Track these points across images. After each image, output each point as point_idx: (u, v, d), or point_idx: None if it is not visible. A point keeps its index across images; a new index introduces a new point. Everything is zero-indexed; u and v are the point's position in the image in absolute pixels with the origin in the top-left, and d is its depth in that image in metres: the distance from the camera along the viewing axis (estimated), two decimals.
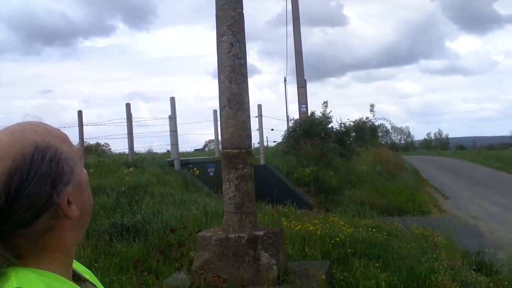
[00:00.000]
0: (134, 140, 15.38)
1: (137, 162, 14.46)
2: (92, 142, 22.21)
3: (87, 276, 1.28)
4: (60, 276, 1.09)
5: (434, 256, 7.64)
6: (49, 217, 1.05)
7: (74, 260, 1.23)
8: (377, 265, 6.92)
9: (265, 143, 21.52)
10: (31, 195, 1.01)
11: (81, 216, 1.12)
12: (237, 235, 5.61)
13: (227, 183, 5.74)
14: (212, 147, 26.79)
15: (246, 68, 5.84)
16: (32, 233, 1.05)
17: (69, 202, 1.07)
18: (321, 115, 19.72)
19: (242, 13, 5.83)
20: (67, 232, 1.11)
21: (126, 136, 15.29)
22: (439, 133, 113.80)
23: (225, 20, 5.73)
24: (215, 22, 5.88)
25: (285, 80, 42.87)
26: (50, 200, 1.03)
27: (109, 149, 21.75)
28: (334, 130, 20.61)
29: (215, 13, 5.86)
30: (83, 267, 1.33)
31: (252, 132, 6.25)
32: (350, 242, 7.84)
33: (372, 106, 37.08)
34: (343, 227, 8.68)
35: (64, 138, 1.14)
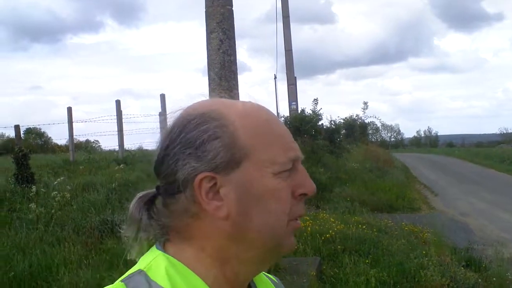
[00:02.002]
0: (124, 137, 15.36)
1: (127, 159, 14.44)
2: (82, 139, 22.16)
3: None
4: (196, 275, 0.96)
5: (424, 252, 7.68)
6: (190, 198, 0.96)
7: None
8: (367, 261, 6.96)
9: None
10: (170, 157, 0.98)
11: (240, 229, 0.96)
12: None
13: None
14: None
15: (236, 65, 5.84)
16: (178, 210, 0.99)
17: (214, 194, 0.95)
18: (311, 112, 19.72)
19: (232, 10, 5.84)
20: (220, 238, 0.97)
21: (116, 133, 15.27)
22: (429, 131, 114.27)
23: (214, 17, 5.73)
24: (204, 19, 5.89)
25: (275, 78, 42.68)
26: (184, 174, 0.96)
27: (99, 146, 21.68)
28: (324, 127, 20.64)
29: (204, 10, 5.86)
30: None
31: None
32: (340, 239, 7.88)
33: (365, 104, 36.97)
34: (334, 224, 8.72)
35: (253, 122, 1.00)
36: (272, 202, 0.96)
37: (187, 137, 0.97)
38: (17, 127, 12.11)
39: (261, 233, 0.96)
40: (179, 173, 0.96)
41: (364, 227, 8.90)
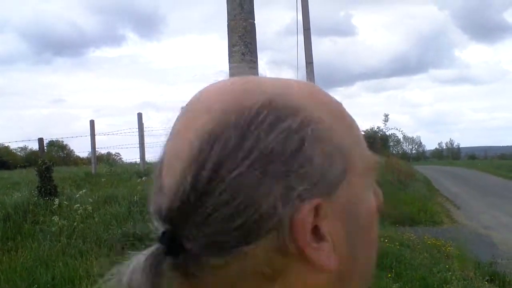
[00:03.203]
0: (146, 149, 15.46)
1: (148, 171, 14.50)
2: (103, 151, 22.34)
3: None
4: None
5: (447, 266, 7.60)
6: (272, 247, 0.56)
7: None
8: (389, 275, 6.90)
9: None
10: (235, 186, 0.55)
11: (344, 277, 0.61)
12: None
13: None
14: None
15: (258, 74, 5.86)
16: (234, 272, 0.57)
17: (315, 233, 0.57)
18: None
19: (254, 24, 5.86)
20: None
21: (138, 146, 15.37)
22: (451, 143, 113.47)
23: (236, 31, 5.76)
24: (226, 32, 5.92)
25: None
26: (272, 210, 0.55)
27: (120, 158, 21.85)
28: None
29: (226, 23, 5.89)
30: None
31: None
32: None
33: (386, 116, 36.91)
34: None
35: (339, 112, 0.65)
36: (374, 226, 0.66)
37: (261, 145, 0.56)
38: (40, 140, 12.23)
39: (363, 274, 0.67)
40: (262, 209, 0.54)
41: (386, 240, 8.83)
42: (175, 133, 0.63)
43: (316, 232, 0.57)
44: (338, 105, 0.66)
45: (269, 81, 0.64)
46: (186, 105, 0.65)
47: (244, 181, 0.55)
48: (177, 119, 0.65)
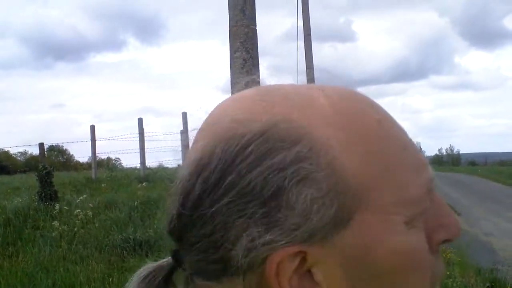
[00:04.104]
0: (146, 155, 15.48)
1: (149, 176, 14.51)
2: (103, 156, 22.35)
3: None
4: None
5: (447, 273, 7.57)
6: (255, 282, 0.54)
7: None
8: None
9: None
10: (210, 218, 0.54)
11: None
12: None
13: None
14: None
15: (259, 84, 5.86)
16: None
17: (301, 278, 0.53)
18: None
19: (256, 30, 5.87)
20: None
21: (138, 151, 15.38)
22: (451, 149, 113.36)
23: (238, 37, 5.76)
24: (226, 38, 5.92)
25: None
26: (246, 252, 0.53)
27: (120, 163, 21.86)
28: None
29: (228, 29, 5.90)
30: None
31: None
32: None
33: None
34: None
35: (367, 136, 0.56)
36: (408, 275, 0.55)
37: (242, 182, 0.53)
38: (41, 145, 12.23)
39: None
40: (234, 250, 0.53)
41: None
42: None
43: (303, 275, 0.53)
44: (364, 118, 0.57)
45: (288, 95, 0.58)
46: (194, 129, 0.63)
47: (221, 218, 0.53)
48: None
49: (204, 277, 0.58)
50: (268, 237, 0.52)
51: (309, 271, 0.53)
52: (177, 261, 0.62)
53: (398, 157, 0.56)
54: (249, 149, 0.53)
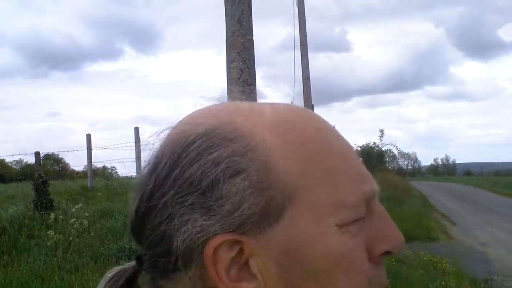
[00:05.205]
0: (142, 164, 15.50)
1: None
2: (99, 165, 22.31)
3: None
4: None
5: (443, 283, 7.59)
6: (198, 279, 0.59)
7: None
8: None
9: None
10: (158, 211, 0.59)
11: None
12: None
13: None
14: None
15: (256, 94, 5.88)
16: None
17: (240, 270, 0.58)
18: None
19: (252, 40, 5.90)
20: None
21: (134, 160, 15.35)
22: (446, 159, 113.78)
23: (235, 47, 5.79)
24: (222, 48, 5.95)
25: None
26: (186, 239, 0.57)
27: (116, 172, 21.82)
28: None
29: (225, 39, 5.92)
30: None
31: None
32: None
33: (381, 131, 37.08)
34: None
35: (304, 144, 0.60)
36: (339, 276, 0.58)
37: (185, 175, 0.58)
38: (37, 154, 12.22)
39: None
40: (176, 238, 0.57)
41: None
42: None
43: (241, 267, 0.58)
44: (304, 128, 0.62)
45: (241, 106, 0.65)
46: (154, 132, 0.68)
47: (168, 210, 0.59)
48: None
49: (157, 274, 0.62)
50: (205, 223, 0.57)
51: (246, 263, 0.58)
52: (139, 263, 0.66)
53: (335, 163, 0.61)
54: (193, 146, 0.59)
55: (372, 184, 0.63)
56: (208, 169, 0.57)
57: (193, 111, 0.67)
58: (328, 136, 0.63)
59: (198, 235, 0.56)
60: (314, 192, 0.58)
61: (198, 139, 0.60)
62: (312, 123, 0.63)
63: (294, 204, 0.58)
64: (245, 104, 0.65)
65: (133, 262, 0.68)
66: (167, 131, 0.65)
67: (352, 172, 0.61)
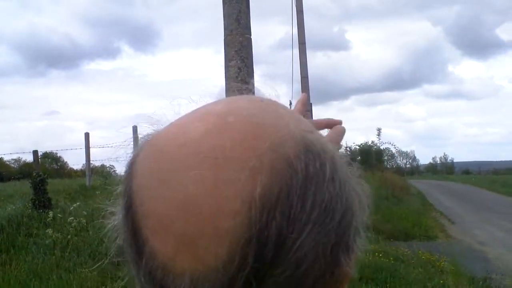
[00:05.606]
0: None
1: None
2: (97, 164, 22.27)
3: None
4: None
5: (441, 281, 7.59)
6: None
7: None
8: None
9: None
10: (306, 253, 0.46)
11: None
12: None
13: None
14: None
15: (254, 93, 5.87)
16: None
17: None
18: None
19: (250, 39, 5.90)
20: None
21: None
22: (445, 158, 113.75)
23: (233, 46, 5.78)
24: (220, 46, 5.95)
25: (290, 104, 42.92)
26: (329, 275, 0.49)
27: (114, 171, 21.77)
28: None
29: (223, 38, 5.92)
30: None
31: None
32: (357, 267, 7.81)
33: (379, 130, 37.12)
34: None
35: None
36: None
37: (316, 200, 0.47)
38: (35, 153, 12.20)
39: None
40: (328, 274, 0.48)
41: (380, 255, 8.82)
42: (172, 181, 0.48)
43: None
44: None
45: (263, 109, 0.53)
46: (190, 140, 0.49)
47: (306, 246, 0.46)
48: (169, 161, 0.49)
49: None
50: (342, 258, 0.50)
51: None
52: None
53: None
54: (321, 171, 0.48)
55: None
56: (333, 195, 0.48)
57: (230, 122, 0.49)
58: None
59: (340, 272, 0.50)
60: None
61: (316, 157, 0.48)
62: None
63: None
64: (274, 107, 0.55)
65: None
66: (282, 137, 0.49)
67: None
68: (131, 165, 0.53)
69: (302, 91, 17.85)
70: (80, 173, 25.23)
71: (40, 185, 10.31)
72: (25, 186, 12.38)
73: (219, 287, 0.45)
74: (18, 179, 20.08)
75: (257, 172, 0.45)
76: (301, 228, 0.45)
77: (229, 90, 5.96)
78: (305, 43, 16.07)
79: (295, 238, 0.45)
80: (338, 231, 0.48)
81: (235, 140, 0.47)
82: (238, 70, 5.74)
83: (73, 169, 35.10)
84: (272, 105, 0.55)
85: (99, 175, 18.17)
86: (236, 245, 0.44)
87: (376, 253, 8.87)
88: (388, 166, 57.90)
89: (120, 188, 0.52)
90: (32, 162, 12.87)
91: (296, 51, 16.25)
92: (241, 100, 0.55)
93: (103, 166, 22.84)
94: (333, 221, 0.47)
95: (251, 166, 0.45)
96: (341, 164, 0.51)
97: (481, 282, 8.78)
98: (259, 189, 0.44)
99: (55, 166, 48.20)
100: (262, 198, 0.44)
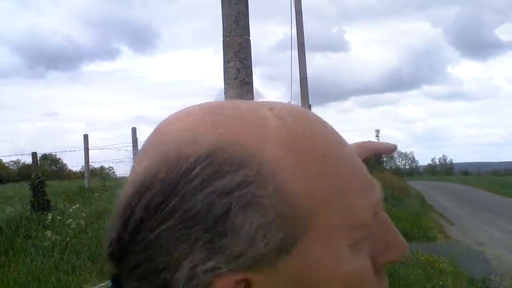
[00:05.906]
0: None
1: None
2: (97, 165, 22.27)
3: None
4: None
5: (440, 283, 7.59)
6: None
7: None
8: None
9: None
10: (151, 243, 0.50)
11: None
12: None
13: None
14: None
15: (252, 94, 5.88)
16: None
17: None
18: None
19: (249, 40, 5.89)
20: None
21: (132, 160, 15.39)
22: (444, 159, 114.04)
23: (232, 47, 5.78)
24: (219, 48, 5.93)
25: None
26: (188, 277, 0.49)
27: (113, 172, 21.76)
28: None
29: (222, 39, 5.91)
30: None
31: None
32: None
33: (377, 131, 37.17)
34: None
35: (318, 160, 0.53)
36: None
37: (186, 206, 0.49)
38: (34, 154, 12.20)
39: None
40: (176, 275, 0.50)
41: None
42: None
43: None
44: (314, 138, 0.54)
45: (238, 114, 0.54)
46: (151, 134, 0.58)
47: (164, 243, 0.50)
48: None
49: None
50: (210, 264, 0.49)
51: None
52: (117, 286, 0.56)
53: (348, 180, 0.54)
54: (194, 172, 0.50)
55: (378, 191, 0.57)
56: (215, 200, 0.48)
57: (180, 118, 0.56)
58: (340, 151, 0.55)
59: (202, 276, 0.48)
60: (328, 216, 0.52)
61: (199, 163, 0.50)
62: (324, 137, 0.55)
63: (308, 231, 0.51)
64: (243, 108, 0.55)
65: (108, 283, 0.59)
66: (159, 147, 0.54)
67: (362, 183, 0.55)
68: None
69: (301, 92, 17.84)
70: (79, 175, 25.19)
71: (39, 187, 10.31)
72: (24, 188, 12.38)
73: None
74: (17, 181, 20.05)
75: (155, 161, 0.52)
76: (159, 222, 0.50)
77: (227, 91, 5.97)
78: (304, 44, 16.07)
79: (152, 227, 0.50)
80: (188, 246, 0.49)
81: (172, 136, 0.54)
82: (237, 72, 5.73)
83: (72, 171, 35.07)
84: (226, 113, 0.55)
85: (98, 177, 18.18)
86: (117, 212, 0.53)
87: None
88: (387, 167, 57.95)
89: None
90: (31, 164, 12.87)
91: (295, 52, 16.24)
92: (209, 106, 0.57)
93: (102, 168, 22.86)
94: (197, 228, 0.49)
95: (153, 155, 0.53)
96: (249, 182, 0.50)
97: (480, 283, 8.77)
98: (146, 172, 0.52)
99: (54, 168, 48.21)
100: (144, 182, 0.51)
